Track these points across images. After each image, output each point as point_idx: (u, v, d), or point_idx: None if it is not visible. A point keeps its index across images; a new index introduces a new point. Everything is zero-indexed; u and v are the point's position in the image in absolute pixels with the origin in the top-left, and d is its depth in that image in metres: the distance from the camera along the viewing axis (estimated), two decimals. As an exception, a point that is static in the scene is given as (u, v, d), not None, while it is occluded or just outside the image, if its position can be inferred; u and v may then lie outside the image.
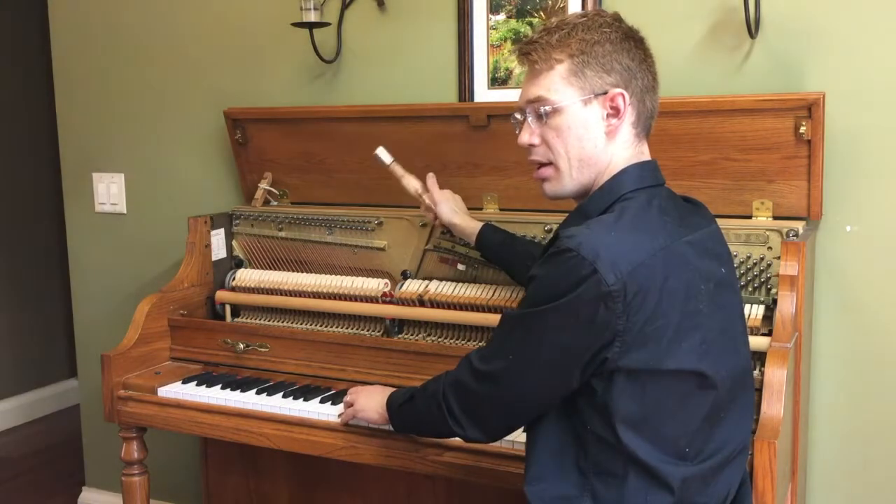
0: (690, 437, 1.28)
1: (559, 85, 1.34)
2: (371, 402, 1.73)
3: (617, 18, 1.38)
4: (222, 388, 2.04)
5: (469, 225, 1.99)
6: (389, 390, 1.73)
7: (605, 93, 1.33)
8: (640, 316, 1.20)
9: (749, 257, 1.84)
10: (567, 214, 1.41)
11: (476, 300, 2.02)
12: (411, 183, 2.06)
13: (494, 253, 1.97)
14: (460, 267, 2.10)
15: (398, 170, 2.07)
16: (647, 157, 1.39)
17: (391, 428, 1.67)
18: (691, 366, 1.25)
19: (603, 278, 1.18)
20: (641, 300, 1.20)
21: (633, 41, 1.36)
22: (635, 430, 1.24)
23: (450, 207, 2.01)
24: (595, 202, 1.35)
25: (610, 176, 1.36)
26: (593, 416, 1.26)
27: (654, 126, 1.43)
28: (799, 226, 1.83)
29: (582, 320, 1.21)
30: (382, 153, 2.07)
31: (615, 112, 1.33)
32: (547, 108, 1.35)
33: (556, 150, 1.37)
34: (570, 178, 1.37)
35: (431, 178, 2.05)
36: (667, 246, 1.25)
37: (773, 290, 1.81)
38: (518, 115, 1.42)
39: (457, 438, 1.49)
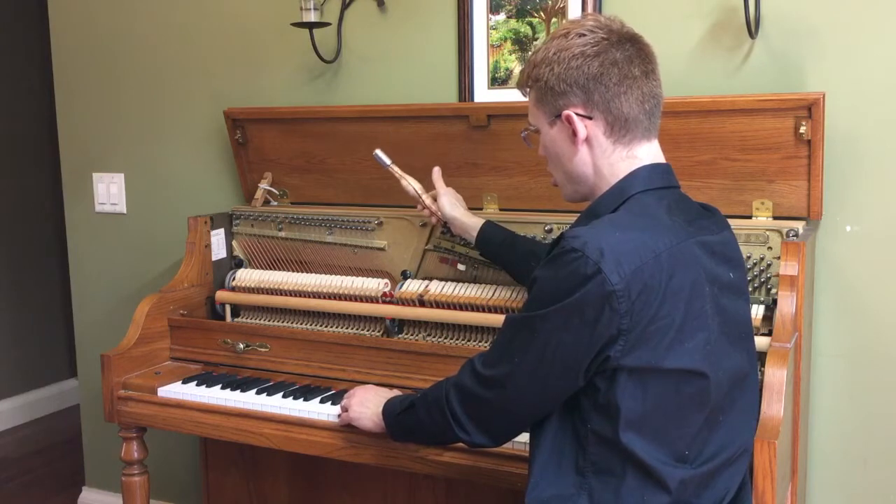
0: (690, 439, 1.27)
1: (533, 110, 1.42)
2: (365, 409, 1.72)
3: (592, 29, 1.33)
4: (222, 388, 2.04)
5: (469, 221, 1.99)
6: (384, 394, 1.73)
7: (559, 115, 1.36)
8: (644, 315, 1.20)
9: (749, 257, 1.83)
10: (567, 213, 1.41)
11: (476, 300, 2.02)
12: (410, 184, 2.06)
13: (495, 251, 1.97)
14: (460, 267, 2.10)
15: (397, 171, 2.08)
16: (648, 160, 1.36)
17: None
18: (693, 365, 1.24)
19: (607, 278, 1.18)
20: (646, 299, 1.20)
21: (595, 51, 1.32)
22: (636, 430, 1.24)
23: (450, 201, 2.01)
24: (604, 203, 1.35)
25: (612, 182, 1.35)
26: (594, 415, 1.26)
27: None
28: (799, 226, 1.83)
29: (586, 320, 1.20)
30: (381, 154, 2.08)
31: (574, 130, 1.35)
32: (530, 128, 1.45)
33: (549, 166, 1.45)
34: (569, 188, 1.44)
35: (437, 172, 2.05)
36: (673, 244, 1.24)
37: (773, 290, 1.81)
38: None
39: (456, 438, 1.49)
